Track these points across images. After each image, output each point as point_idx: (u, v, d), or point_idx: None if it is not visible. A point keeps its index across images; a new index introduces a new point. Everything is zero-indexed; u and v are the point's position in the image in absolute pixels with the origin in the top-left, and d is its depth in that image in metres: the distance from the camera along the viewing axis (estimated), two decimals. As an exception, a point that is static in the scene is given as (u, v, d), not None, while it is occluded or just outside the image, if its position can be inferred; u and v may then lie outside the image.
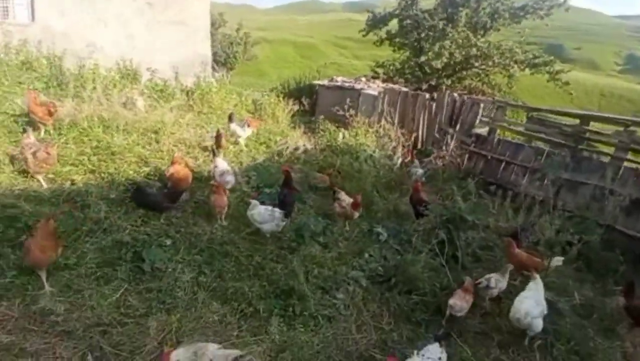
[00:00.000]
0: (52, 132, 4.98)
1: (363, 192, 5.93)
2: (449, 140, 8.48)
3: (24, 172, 4.06)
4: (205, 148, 6.05)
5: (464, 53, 13.52)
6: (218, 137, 5.89)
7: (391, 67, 16.24)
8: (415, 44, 15.27)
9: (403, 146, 8.14)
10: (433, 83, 14.81)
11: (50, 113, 4.83)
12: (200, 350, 2.33)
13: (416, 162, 7.50)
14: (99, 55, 9.44)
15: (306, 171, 6.44)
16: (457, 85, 15.35)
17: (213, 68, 15.13)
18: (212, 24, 18.84)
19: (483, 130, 8.73)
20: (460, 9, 14.21)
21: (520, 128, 8.24)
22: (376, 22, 16.18)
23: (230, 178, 4.77)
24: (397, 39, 16.05)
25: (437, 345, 2.91)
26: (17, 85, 6.24)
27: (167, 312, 2.91)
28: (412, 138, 9.19)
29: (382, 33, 16.55)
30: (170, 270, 3.39)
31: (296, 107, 11.28)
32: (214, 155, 5.23)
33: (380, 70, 16.89)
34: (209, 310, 3.17)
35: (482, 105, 8.49)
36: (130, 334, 2.69)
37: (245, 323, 3.17)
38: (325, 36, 34.18)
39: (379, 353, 3.23)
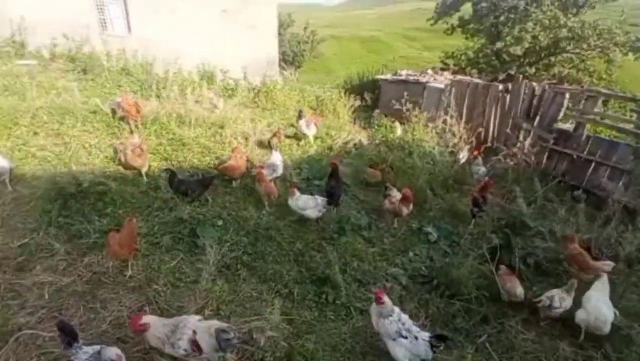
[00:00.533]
0: (139, 126, 5.88)
1: (415, 189, 5.73)
2: (523, 137, 7.57)
3: (115, 159, 4.89)
4: (261, 143, 6.48)
5: (551, 36, 11.83)
6: (275, 133, 6.33)
7: (462, 57, 15.05)
8: (492, 29, 13.89)
9: (466, 143, 7.53)
10: (512, 72, 13.29)
11: (138, 111, 5.69)
12: (181, 323, 2.40)
13: (479, 159, 6.89)
14: (182, 60, 10.73)
15: (357, 165, 6.44)
16: (544, 73, 13.55)
17: (281, 67, 15.92)
18: (281, 25, 19.77)
19: (568, 126, 7.60)
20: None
21: (627, 125, 6.82)
22: (446, 8, 15.14)
23: (274, 170, 5.08)
24: (471, 25, 14.78)
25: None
26: (116, 88, 7.48)
27: (212, 282, 3.27)
28: (481, 134, 8.48)
29: (454, 20, 15.42)
30: (219, 247, 3.77)
31: (358, 103, 11.29)
32: (271, 148, 5.62)
33: (450, 62, 15.80)
34: (248, 286, 3.46)
35: (567, 95, 7.37)
36: (180, 296, 3.10)
37: (279, 302, 3.37)
38: (393, 29, 33.05)
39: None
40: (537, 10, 12.19)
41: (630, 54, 11.57)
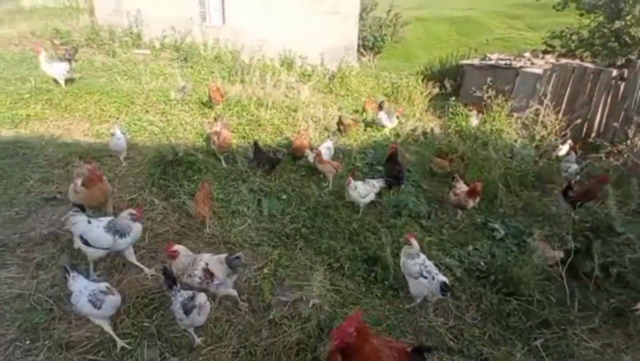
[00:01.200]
0: (223, 109, 6.63)
1: (486, 183, 5.38)
2: (634, 134, 6.34)
3: (201, 135, 5.69)
4: (327, 128, 6.75)
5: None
6: (340, 121, 6.59)
7: (573, 37, 12.80)
8: (612, 4, 11.51)
9: (558, 136, 6.65)
10: (635, 58, 10.94)
11: (222, 96, 6.39)
12: (198, 257, 2.78)
13: (572, 155, 6.05)
14: (266, 48, 11.54)
15: (423, 154, 6.27)
16: (680, 60, 10.83)
17: (360, 52, 15.82)
18: (363, 9, 19.41)
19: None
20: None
21: None
22: (559, -21, 12.98)
23: (326, 151, 5.31)
24: (587, 1, 12.43)
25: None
26: (209, 74, 8.52)
27: (273, 247, 3.70)
28: (582, 128, 7.34)
29: (566, -6, 13.16)
30: (281, 217, 4.21)
31: (436, 91, 10.72)
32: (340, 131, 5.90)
33: (556, 43, 13.61)
34: (304, 255, 3.81)
35: None
36: (246, 255, 3.59)
37: (330, 273, 3.65)
38: (492, 6, 29.45)
39: (451, 339, 3.14)
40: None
41: None
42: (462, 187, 4.89)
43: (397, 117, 7.09)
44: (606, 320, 3.24)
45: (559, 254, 3.64)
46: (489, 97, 7.10)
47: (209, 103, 6.54)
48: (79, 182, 3.44)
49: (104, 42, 8.86)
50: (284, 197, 4.56)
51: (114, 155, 4.69)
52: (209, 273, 2.73)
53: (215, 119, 5.76)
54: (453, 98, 8.90)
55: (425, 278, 3.12)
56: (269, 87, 7.55)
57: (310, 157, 5.01)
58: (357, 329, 1.85)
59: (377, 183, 4.55)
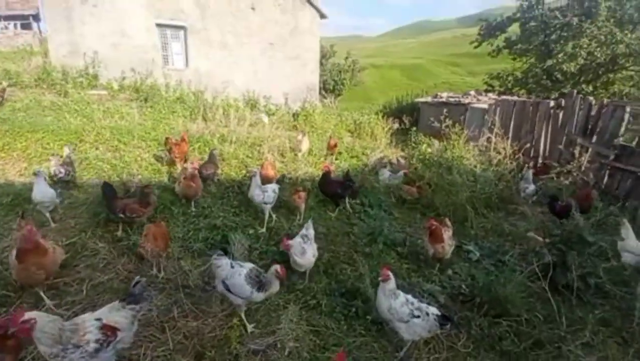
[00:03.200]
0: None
1: (455, 207, 5.41)
2: (579, 154, 6.89)
3: (159, 172, 5.27)
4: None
5: (608, 52, 11.02)
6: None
7: (509, 78, 14.46)
8: (542, 47, 13.29)
9: (512, 160, 7.04)
10: (566, 92, 12.47)
11: (183, 152, 5.44)
12: (80, 320, 2.10)
13: (529, 175, 6.36)
14: (230, 89, 11.63)
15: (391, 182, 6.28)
16: (602, 92, 12.52)
17: (322, 95, 16.52)
18: (323, 56, 20.73)
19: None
20: (600, 0, 11.80)
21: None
22: (491, 30, 14.87)
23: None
24: (518, 46, 14.28)
25: None
26: (170, 113, 8.26)
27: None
28: (529, 152, 7.89)
29: (499, 41, 15.04)
30: (248, 254, 3.81)
31: (396, 126, 11.24)
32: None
33: (495, 83, 15.26)
34: (276, 295, 3.38)
35: (628, 109, 6.68)
36: (208, 299, 3.14)
37: (306, 313, 3.26)
38: (435, 56, 33.06)
39: (446, 374, 2.82)
40: (592, 26, 11.50)
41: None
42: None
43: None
44: (596, 333, 3.13)
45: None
46: (447, 125, 7.48)
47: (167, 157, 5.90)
48: (14, 253, 2.70)
49: (56, 82, 8.42)
50: (251, 231, 4.19)
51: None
52: (109, 329, 2.08)
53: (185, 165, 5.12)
54: (414, 128, 9.29)
55: (418, 316, 2.69)
56: (232, 124, 7.42)
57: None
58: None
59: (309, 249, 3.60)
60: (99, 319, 2.10)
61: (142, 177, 5.00)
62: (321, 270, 3.90)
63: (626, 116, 6.65)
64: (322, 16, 14.51)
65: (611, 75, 12.10)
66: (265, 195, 4.34)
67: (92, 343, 2.00)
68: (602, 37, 10.98)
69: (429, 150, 7.57)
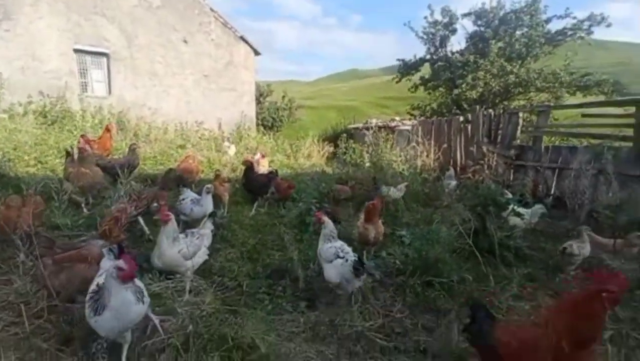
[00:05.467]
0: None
1: (387, 202, 5.49)
2: (489, 157, 7.72)
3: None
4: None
5: (501, 82, 13.13)
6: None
7: (427, 108, 16.29)
8: (449, 82, 15.38)
9: (435, 167, 7.60)
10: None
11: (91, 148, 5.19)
12: None
13: (451, 173, 6.85)
14: (161, 118, 11.04)
15: (324, 183, 6.26)
16: (502, 117, 14.62)
17: (262, 132, 16.51)
18: (261, 94, 21.23)
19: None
20: (492, 41, 14.26)
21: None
22: (407, 68, 16.88)
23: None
24: (430, 83, 16.38)
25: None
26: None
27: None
28: (449, 158, 8.62)
29: (416, 79, 17.11)
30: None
31: (331, 149, 11.61)
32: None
33: (416, 112, 16.99)
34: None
35: (520, 114, 7.80)
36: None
37: (223, 294, 2.83)
38: (367, 98, 36.21)
39: (383, 339, 2.57)
40: (486, 61, 13.73)
41: (578, 93, 12.77)
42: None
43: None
44: (524, 286, 3.19)
45: None
46: (375, 136, 7.89)
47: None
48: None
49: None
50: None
51: None
52: None
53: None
54: (345, 135, 9.62)
55: (342, 258, 2.87)
56: (155, 143, 6.91)
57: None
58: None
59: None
60: None
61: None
62: (245, 257, 3.52)
63: (520, 120, 7.71)
64: (257, 53, 15.05)
65: (506, 103, 14.30)
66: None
67: None
68: (495, 70, 13.13)
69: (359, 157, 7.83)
